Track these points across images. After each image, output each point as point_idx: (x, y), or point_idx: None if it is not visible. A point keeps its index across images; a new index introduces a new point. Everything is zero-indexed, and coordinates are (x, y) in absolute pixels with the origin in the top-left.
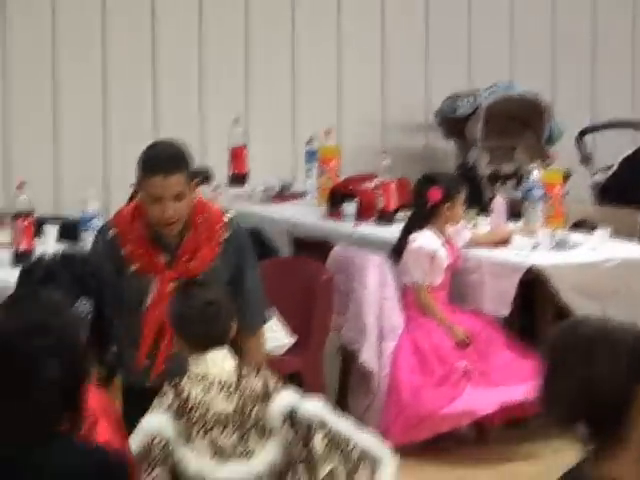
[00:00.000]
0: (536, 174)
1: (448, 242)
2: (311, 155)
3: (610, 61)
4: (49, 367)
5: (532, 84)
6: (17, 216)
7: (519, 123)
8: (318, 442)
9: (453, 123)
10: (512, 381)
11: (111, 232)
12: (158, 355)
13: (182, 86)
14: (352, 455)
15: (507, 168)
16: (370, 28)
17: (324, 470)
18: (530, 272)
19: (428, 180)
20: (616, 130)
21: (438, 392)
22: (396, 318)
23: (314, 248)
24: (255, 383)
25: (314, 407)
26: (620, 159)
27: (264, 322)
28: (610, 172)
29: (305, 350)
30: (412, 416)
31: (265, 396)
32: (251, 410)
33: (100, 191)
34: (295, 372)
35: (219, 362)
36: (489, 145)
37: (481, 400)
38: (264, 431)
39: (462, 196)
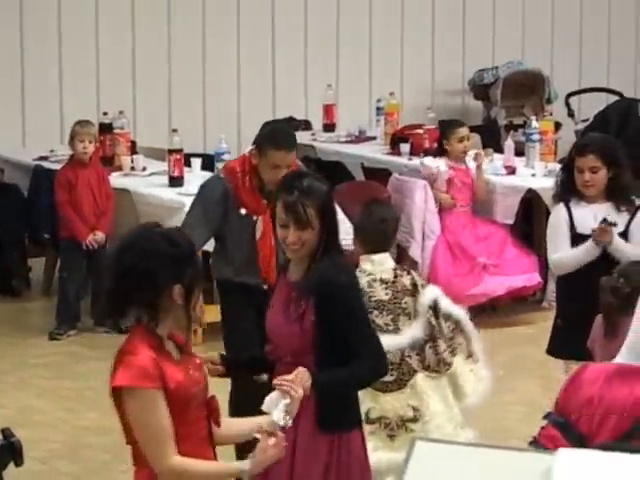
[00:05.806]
0: (534, 124)
1: (462, 168)
2: (379, 110)
3: (592, 47)
4: None
5: (536, 61)
6: (171, 152)
7: (527, 89)
8: (443, 323)
9: (481, 89)
10: (517, 271)
11: (223, 184)
12: (271, 267)
13: (293, 66)
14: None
15: (517, 120)
16: (425, 25)
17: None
18: (529, 192)
19: (437, 126)
20: (593, 94)
21: (465, 279)
22: (435, 225)
23: (379, 175)
24: (406, 281)
25: (448, 302)
26: (595, 113)
27: None
28: (587, 123)
29: None
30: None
31: (414, 291)
32: (401, 300)
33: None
34: None
35: (383, 263)
36: (505, 104)
37: (495, 285)
38: (410, 315)
39: (458, 135)
